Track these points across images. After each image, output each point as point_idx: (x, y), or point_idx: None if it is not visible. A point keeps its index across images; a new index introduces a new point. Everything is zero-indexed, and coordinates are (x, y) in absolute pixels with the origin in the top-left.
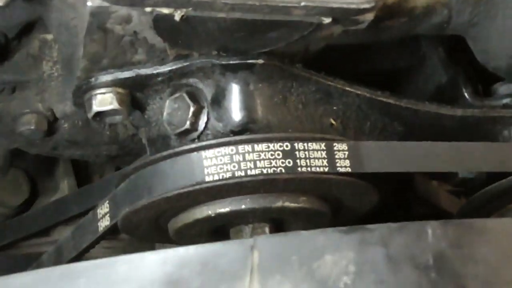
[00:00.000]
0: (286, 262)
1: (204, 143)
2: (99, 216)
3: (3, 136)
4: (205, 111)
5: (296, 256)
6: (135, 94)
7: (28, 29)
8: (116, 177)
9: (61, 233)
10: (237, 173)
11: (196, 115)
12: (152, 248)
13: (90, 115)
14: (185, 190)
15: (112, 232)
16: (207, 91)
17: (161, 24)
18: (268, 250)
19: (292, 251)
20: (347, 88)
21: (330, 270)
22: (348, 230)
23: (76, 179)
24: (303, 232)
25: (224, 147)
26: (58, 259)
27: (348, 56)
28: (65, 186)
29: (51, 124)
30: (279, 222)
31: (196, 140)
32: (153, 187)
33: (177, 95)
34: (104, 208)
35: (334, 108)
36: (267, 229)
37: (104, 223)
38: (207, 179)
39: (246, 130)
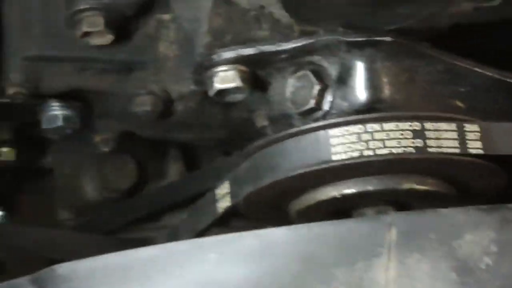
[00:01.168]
0: (425, 240)
1: (331, 121)
2: (218, 196)
3: (116, 118)
4: (330, 90)
5: (435, 234)
6: (257, 72)
7: (145, 8)
8: (226, 162)
9: (170, 219)
10: (365, 153)
11: (321, 94)
12: None
13: (211, 92)
14: (311, 169)
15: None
16: (332, 69)
17: None
18: (405, 227)
19: (430, 229)
20: (476, 69)
21: (471, 249)
22: (489, 208)
23: (184, 165)
24: (442, 210)
25: (352, 125)
26: (175, 240)
27: (474, 36)
28: (173, 171)
29: (166, 105)
30: (402, 206)
31: (321, 120)
32: (277, 166)
33: (300, 73)
34: (223, 189)
35: (462, 89)
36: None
37: (224, 204)
38: (333, 158)
39: (372, 110)
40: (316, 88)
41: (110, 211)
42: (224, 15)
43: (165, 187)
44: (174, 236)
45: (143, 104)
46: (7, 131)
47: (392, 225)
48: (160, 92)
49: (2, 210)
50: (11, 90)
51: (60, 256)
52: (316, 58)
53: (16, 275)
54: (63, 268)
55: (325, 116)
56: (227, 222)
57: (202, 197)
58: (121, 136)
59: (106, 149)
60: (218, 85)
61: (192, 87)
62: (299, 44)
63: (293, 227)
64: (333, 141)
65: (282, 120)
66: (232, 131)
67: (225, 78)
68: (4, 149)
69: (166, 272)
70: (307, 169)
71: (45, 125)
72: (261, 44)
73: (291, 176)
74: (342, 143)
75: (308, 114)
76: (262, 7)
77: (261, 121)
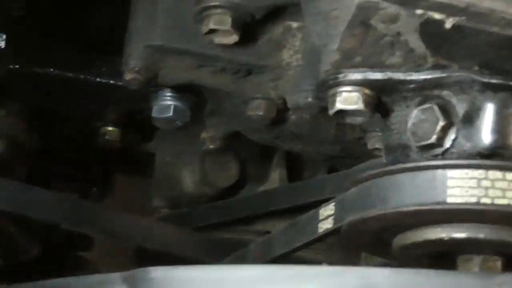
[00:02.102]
0: None
1: (452, 161)
2: (321, 217)
3: (228, 117)
4: (454, 128)
5: None
6: (381, 98)
7: (274, 13)
8: (330, 179)
9: (265, 225)
10: (483, 200)
11: (444, 131)
12: None
13: (331, 111)
14: (423, 208)
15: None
16: (460, 107)
17: (428, 29)
18: None
19: None
20: None
21: None
22: None
23: (286, 173)
24: None
25: (473, 169)
26: (267, 252)
27: None
28: (276, 177)
29: (280, 113)
30: (510, 257)
31: (440, 157)
32: (388, 198)
33: (426, 106)
34: (328, 210)
35: None
36: (499, 264)
37: (325, 225)
38: (449, 200)
39: (495, 155)
40: (441, 123)
41: (205, 207)
42: (358, 37)
43: (264, 192)
44: (268, 246)
45: (257, 109)
46: (115, 112)
47: (502, 286)
48: (276, 99)
49: (101, 188)
50: (129, 76)
51: (148, 247)
52: (445, 93)
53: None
54: (158, 272)
55: (444, 153)
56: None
57: (299, 209)
58: (229, 136)
59: (211, 147)
60: (340, 105)
61: (310, 99)
62: (430, 77)
63: (398, 271)
64: (450, 182)
65: (399, 150)
66: (342, 148)
67: (348, 99)
68: (109, 128)
69: None
70: (420, 208)
71: (155, 114)
72: (391, 70)
73: (402, 212)
74: (460, 186)
75: (427, 149)
76: (398, 33)
77: (374, 144)
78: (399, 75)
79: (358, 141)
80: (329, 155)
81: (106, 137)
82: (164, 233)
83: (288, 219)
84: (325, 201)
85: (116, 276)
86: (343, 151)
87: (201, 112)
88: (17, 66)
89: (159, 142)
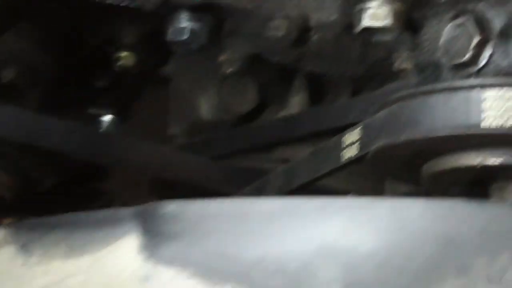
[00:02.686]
0: None
1: (487, 80)
2: (344, 144)
3: (248, 38)
4: (490, 44)
5: None
6: (412, 12)
7: None
8: (354, 102)
9: (284, 152)
10: None
11: (479, 47)
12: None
13: (358, 28)
14: (456, 133)
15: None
16: (497, 21)
17: None
18: None
19: None
20: None
21: None
22: None
23: (307, 97)
24: None
25: (510, 88)
26: (288, 181)
27: None
28: (296, 101)
29: (302, 33)
30: None
31: (474, 76)
32: (418, 122)
33: (460, 20)
34: (352, 136)
35: None
36: None
37: (349, 153)
38: (482, 124)
39: None
40: (475, 39)
41: (223, 135)
42: None
43: (284, 118)
44: (290, 175)
45: (277, 28)
46: (129, 35)
47: None
48: (297, 18)
49: (118, 115)
50: None
51: (165, 176)
52: (481, 6)
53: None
54: (172, 207)
55: (479, 72)
56: None
57: (321, 135)
58: (248, 58)
59: (229, 70)
60: (366, 22)
61: (334, 17)
62: None
63: (433, 203)
64: (485, 104)
65: (429, 69)
66: (367, 68)
67: (376, 15)
68: (124, 53)
69: (286, 231)
70: (452, 132)
71: (170, 37)
72: None
73: (433, 137)
74: (496, 108)
75: (461, 68)
76: None
77: (402, 64)
78: None
79: (382, 62)
80: (352, 77)
81: (121, 62)
82: (182, 162)
83: (310, 145)
84: (349, 126)
85: (126, 211)
86: (368, 71)
87: (219, 34)
88: None
89: (176, 65)
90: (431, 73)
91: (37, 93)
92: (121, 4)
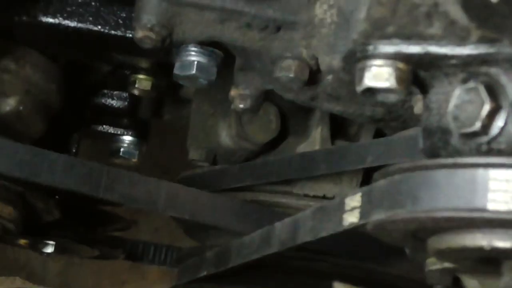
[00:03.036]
0: None
1: (494, 159)
2: (347, 207)
3: (259, 75)
4: (503, 113)
5: None
6: (418, 72)
7: None
8: (372, 145)
9: (303, 188)
10: None
11: (491, 115)
12: None
13: (359, 88)
14: (459, 214)
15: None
16: (510, 88)
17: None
18: None
19: None
20: None
21: None
22: None
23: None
24: None
25: None
26: (292, 237)
27: None
28: (317, 134)
29: (313, 74)
30: None
31: (484, 147)
32: (419, 198)
33: (471, 85)
34: (354, 201)
35: None
36: None
37: (350, 218)
38: (489, 207)
39: None
40: (486, 107)
41: (240, 167)
42: (387, 5)
43: (302, 154)
44: (294, 229)
45: (287, 69)
46: (145, 62)
47: None
48: (308, 59)
49: (135, 136)
50: (140, 33)
51: (170, 214)
52: (493, 71)
53: None
54: None
55: (490, 143)
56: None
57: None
58: (261, 94)
59: (241, 107)
60: (367, 82)
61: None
62: (476, 52)
63: None
64: (492, 185)
65: (437, 135)
66: (388, 111)
67: (378, 76)
68: (141, 76)
69: None
70: (455, 214)
71: (177, 71)
72: (430, 43)
73: (434, 217)
74: (504, 190)
75: (470, 137)
76: (436, 4)
77: (421, 108)
78: (439, 49)
79: (403, 104)
80: (373, 118)
81: (137, 85)
82: (189, 199)
83: (328, 182)
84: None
85: None
86: (388, 114)
87: (231, 68)
88: (34, 16)
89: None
90: (439, 139)
91: (43, 121)
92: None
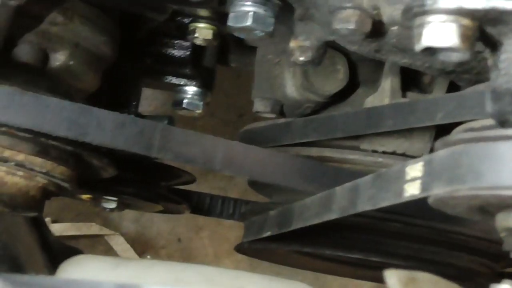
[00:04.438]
0: None
1: None
2: (407, 177)
3: (319, 25)
4: None
5: None
6: (485, 28)
7: None
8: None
9: (371, 143)
10: None
11: None
12: None
13: (418, 47)
14: None
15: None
16: None
17: None
18: None
19: None
20: None
21: None
22: None
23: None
24: None
25: None
26: (352, 204)
27: None
28: (387, 86)
29: (376, 25)
30: None
31: None
32: (481, 173)
33: None
34: (415, 170)
35: None
36: None
37: (411, 190)
38: None
39: None
40: None
41: (305, 120)
42: None
43: (368, 110)
44: (354, 197)
45: (347, 21)
46: (205, 8)
47: None
48: (370, 9)
49: (199, 87)
50: None
51: (227, 173)
52: None
53: None
54: None
55: None
56: None
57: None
58: (323, 46)
59: (302, 59)
60: (427, 40)
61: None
62: None
63: None
64: None
65: (506, 98)
66: (459, 63)
67: (438, 33)
68: (200, 25)
69: None
70: None
71: (231, 23)
72: None
73: (498, 195)
74: None
75: None
76: None
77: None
78: (506, 3)
79: (476, 55)
80: (442, 70)
81: (197, 34)
82: (247, 157)
83: (398, 137)
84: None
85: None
86: (458, 65)
87: (290, 18)
88: None
89: None
90: (509, 103)
91: (96, 72)
92: None
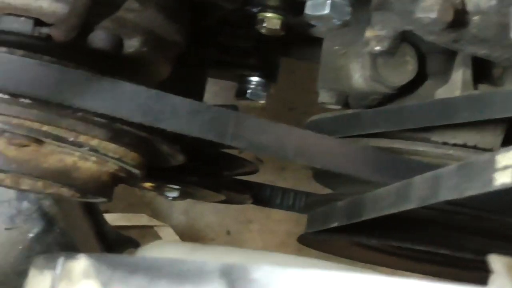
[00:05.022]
0: None
1: None
2: (498, 165)
3: (397, 15)
4: None
5: None
6: None
7: None
8: None
9: (442, 135)
10: None
11: None
12: None
13: None
14: None
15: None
16: None
17: None
18: None
19: None
20: None
21: None
22: None
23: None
24: None
25: None
26: (433, 193)
27: None
28: (458, 77)
29: (458, 14)
30: None
31: None
32: None
33: None
34: (507, 158)
35: None
36: None
37: (503, 178)
38: None
39: None
40: None
41: (375, 112)
42: None
43: (442, 101)
44: (436, 185)
45: (430, 9)
46: None
47: None
48: None
49: (263, 77)
50: None
51: (300, 161)
52: None
53: None
54: (260, 273)
55: None
56: None
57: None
58: (399, 35)
59: (377, 49)
60: None
61: (494, 2)
62: None
63: None
64: None
65: None
66: None
67: None
68: (269, 15)
69: None
70: None
71: (308, 11)
72: None
73: None
74: None
75: None
76: None
77: None
78: None
79: None
80: None
81: (265, 24)
82: (320, 146)
83: (470, 130)
84: None
85: (214, 267)
86: None
87: (367, 7)
88: None
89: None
90: None
91: (168, 60)
92: None
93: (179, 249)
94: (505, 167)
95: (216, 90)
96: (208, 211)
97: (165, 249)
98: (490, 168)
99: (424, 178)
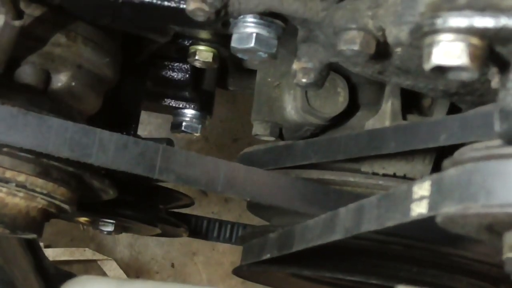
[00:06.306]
0: None
1: None
2: (415, 196)
3: (323, 47)
4: None
5: None
6: (494, 48)
7: None
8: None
9: (372, 165)
10: None
11: None
12: None
13: (427, 66)
14: None
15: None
16: None
17: None
18: None
19: None
20: None
21: None
22: None
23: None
24: None
25: None
26: (357, 224)
27: None
28: (387, 108)
29: (381, 46)
30: None
31: None
32: (493, 191)
33: None
34: (422, 189)
35: None
36: None
37: (419, 209)
38: None
39: None
40: None
41: (306, 143)
42: None
43: (370, 132)
44: (359, 217)
45: (352, 42)
46: (204, 31)
47: None
48: (375, 30)
49: (198, 110)
50: (191, 5)
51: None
52: None
53: None
54: None
55: None
56: None
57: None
58: (325, 68)
59: (304, 81)
60: (437, 59)
61: (406, 35)
62: None
63: None
64: None
65: None
66: (463, 85)
67: (448, 52)
68: (201, 48)
69: None
70: None
71: (234, 44)
72: (507, 16)
73: (510, 212)
74: None
75: None
76: None
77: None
78: None
79: (479, 77)
80: (445, 92)
81: (197, 57)
82: (249, 178)
83: (399, 160)
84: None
85: None
86: (463, 88)
87: (293, 40)
88: None
89: None
90: None
91: (98, 93)
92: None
93: (104, 285)
94: (421, 198)
95: (159, 123)
96: (152, 244)
97: (91, 286)
98: (408, 198)
99: (349, 209)
